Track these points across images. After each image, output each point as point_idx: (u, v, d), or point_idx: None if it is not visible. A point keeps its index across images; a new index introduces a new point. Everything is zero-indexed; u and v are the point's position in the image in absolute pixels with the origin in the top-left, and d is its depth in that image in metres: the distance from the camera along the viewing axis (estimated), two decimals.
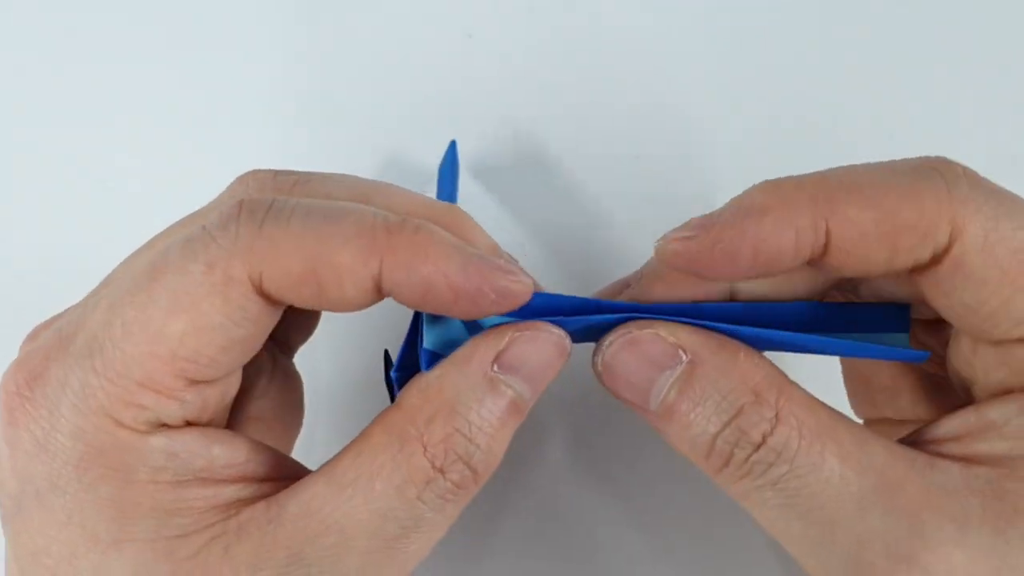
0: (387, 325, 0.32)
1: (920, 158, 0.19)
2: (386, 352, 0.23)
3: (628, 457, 0.31)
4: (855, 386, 0.26)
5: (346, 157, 0.34)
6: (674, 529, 0.30)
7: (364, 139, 0.35)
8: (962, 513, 0.17)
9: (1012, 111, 0.35)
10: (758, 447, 0.18)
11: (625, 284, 0.22)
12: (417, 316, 0.21)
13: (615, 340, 0.20)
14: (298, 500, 0.19)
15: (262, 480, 0.20)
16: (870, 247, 0.18)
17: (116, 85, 0.35)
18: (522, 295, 0.19)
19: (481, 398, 0.19)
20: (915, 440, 0.20)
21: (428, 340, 0.21)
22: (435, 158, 0.33)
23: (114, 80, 0.36)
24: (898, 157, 0.21)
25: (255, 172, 0.21)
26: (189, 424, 0.19)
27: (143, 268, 0.18)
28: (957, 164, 0.19)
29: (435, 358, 0.20)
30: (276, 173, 0.21)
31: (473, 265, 0.18)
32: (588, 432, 0.31)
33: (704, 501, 0.30)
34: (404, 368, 0.21)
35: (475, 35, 0.35)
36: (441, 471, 0.19)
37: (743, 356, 0.19)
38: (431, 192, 0.33)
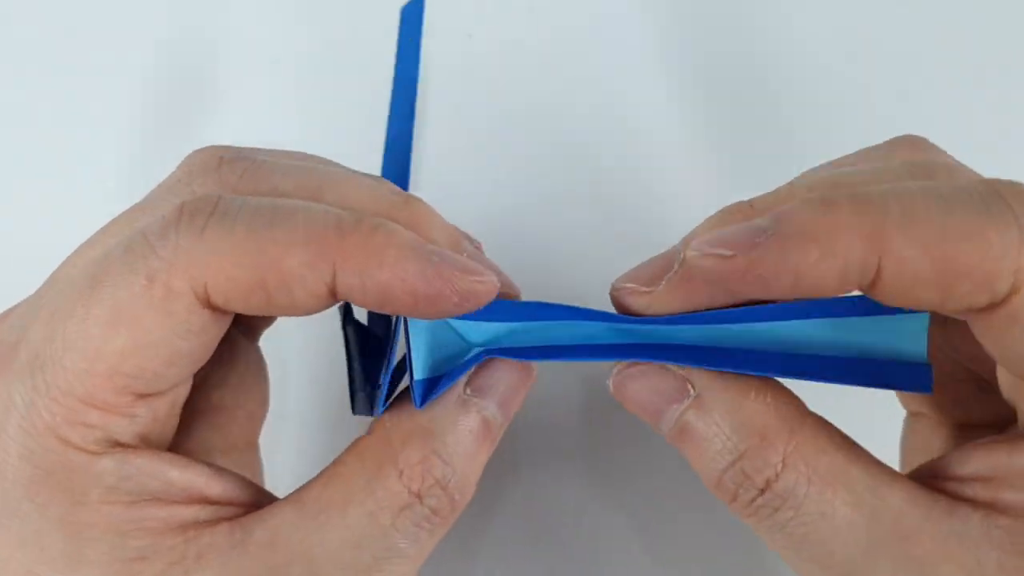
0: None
1: (990, 183, 0.17)
2: (346, 306, 0.21)
3: (629, 458, 0.31)
4: None
5: (345, 157, 0.34)
6: (677, 530, 0.30)
7: (363, 138, 0.35)
8: (977, 566, 0.17)
9: (1013, 111, 0.35)
10: (763, 491, 0.18)
11: (667, 263, 0.20)
12: (405, 330, 0.20)
13: (623, 370, 0.20)
14: (265, 527, 0.18)
15: (222, 503, 0.19)
16: (922, 289, 0.16)
17: (116, 85, 0.36)
18: (486, 295, 0.18)
19: (455, 420, 0.19)
20: (940, 474, 0.19)
21: (419, 367, 0.20)
22: (435, 157, 0.33)
23: (114, 80, 0.36)
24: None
25: (202, 153, 0.20)
26: (142, 439, 0.19)
27: (83, 277, 0.17)
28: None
29: (430, 385, 0.19)
30: (221, 159, 0.20)
31: (433, 268, 0.17)
32: (590, 434, 0.31)
33: (709, 503, 0.30)
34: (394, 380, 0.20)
35: (475, 35, 0.36)
36: (418, 496, 0.18)
37: (753, 395, 0.19)
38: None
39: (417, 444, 0.18)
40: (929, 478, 0.19)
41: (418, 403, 0.19)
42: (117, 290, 0.17)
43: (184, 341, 0.17)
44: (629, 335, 0.20)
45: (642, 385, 0.20)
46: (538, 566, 0.29)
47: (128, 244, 0.17)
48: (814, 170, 0.22)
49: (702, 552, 0.30)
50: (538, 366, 0.21)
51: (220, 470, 0.19)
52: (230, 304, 0.17)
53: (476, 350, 0.20)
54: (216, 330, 0.18)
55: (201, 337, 0.18)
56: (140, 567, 0.17)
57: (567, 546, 0.30)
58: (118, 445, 0.18)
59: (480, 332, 0.20)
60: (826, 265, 0.16)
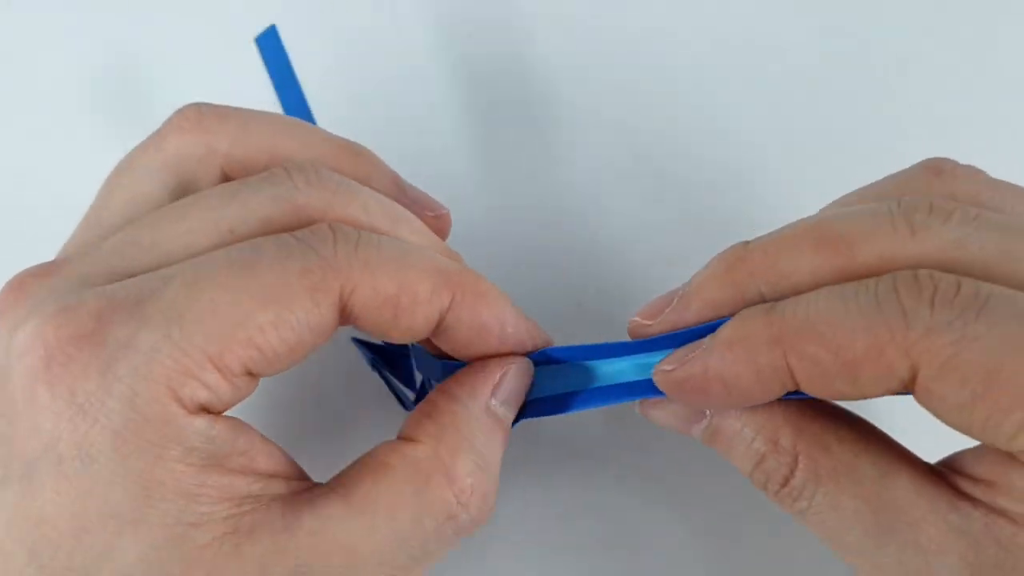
0: None
1: (893, 278, 0.18)
2: None
3: (647, 457, 0.31)
4: None
5: None
6: (698, 528, 0.30)
7: (361, 140, 0.34)
8: (976, 559, 0.18)
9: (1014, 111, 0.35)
10: (783, 486, 0.21)
11: (668, 300, 0.22)
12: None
13: (645, 403, 0.23)
14: (315, 516, 0.19)
15: (270, 476, 0.20)
16: (833, 381, 0.18)
17: (117, 86, 0.35)
18: (545, 345, 0.23)
19: (487, 431, 0.21)
20: (955, 467, 0.20)
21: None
22: (434, 159, 0.33)
23: (115, 81, 0.35)
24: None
25: (293, 172, 0.21)
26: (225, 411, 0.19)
27: (233, 258, 0.19)
28: (928, 281, 0.18)
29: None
30: (308, 183, 0.21)
31: (523, 320, 0.22)
32: (604, 433, 0.31)
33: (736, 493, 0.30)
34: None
35: (474, 35, 0.35)
36: (465, 506, 0.20)
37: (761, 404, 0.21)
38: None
39: (465, 458, 0.20)
40: (946, 468, 0.20)
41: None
42: (273, 274, 0.19)
43: (311, 333, 0.19)
44: (649, 371, 0.22)
45: (664, 413, 0.23)
46: (555, 566, 0.29)
47: (279, 240, 0.19)
48: (844, 198, 0.23)
49: (720, 550, 0.30)
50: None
51: (269, 443, 0.20)
52: (363, 315, 0.20)
53: None
54: (329, 336, 0.20)
55: (319, 338, 0.19)
56: (195, 532, 0.18)
57: (584, 546, 0.30)
58: (208, 412, 0.19)
59: None
60: (740, 370, 0.19)
